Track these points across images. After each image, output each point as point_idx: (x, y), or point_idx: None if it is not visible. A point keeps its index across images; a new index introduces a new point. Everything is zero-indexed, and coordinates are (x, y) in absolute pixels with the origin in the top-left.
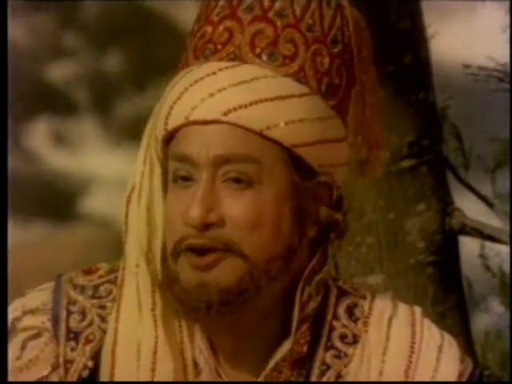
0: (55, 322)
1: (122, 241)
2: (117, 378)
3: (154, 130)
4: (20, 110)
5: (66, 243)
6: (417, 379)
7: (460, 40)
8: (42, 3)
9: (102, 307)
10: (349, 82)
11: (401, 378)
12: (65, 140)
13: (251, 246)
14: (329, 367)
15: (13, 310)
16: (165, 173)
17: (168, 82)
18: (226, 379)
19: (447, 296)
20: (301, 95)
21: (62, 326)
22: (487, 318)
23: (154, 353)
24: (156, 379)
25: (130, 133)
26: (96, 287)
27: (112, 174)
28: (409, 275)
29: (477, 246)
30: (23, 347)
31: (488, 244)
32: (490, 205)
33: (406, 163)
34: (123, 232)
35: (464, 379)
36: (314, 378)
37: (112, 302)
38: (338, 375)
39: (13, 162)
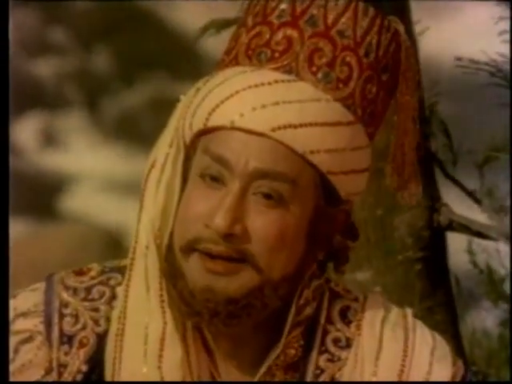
0: (48, 324)
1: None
2: (123, 363)
3: (189, 116)
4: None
5: (52, 240)
6: (410, 381)
7: (449, 36)
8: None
9: (95, 310)
10: (390, 111)
11: (395, 380)
12: (52, 137)
13: (269, 262)
14: (323, 371)
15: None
16: (187, 159)
17: (154, 77)
18: (220, 379)
19: (435, 292)
20: (347, 123)
21: (55, 330)
22: (474, 313)
23: (162, 339)
24: (163, 366)
25: (117, 130)
26: (88, 289)
27: (99, 172)
28: (397, 271)
29: (464, 242)
30: (16, 351)
31: (475, 240)
32: (477, 201)
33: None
34: (139, 209)
35: (458, 378)
36: (309, 381)
37: (105, 304)
38: (332, 379)
39: None
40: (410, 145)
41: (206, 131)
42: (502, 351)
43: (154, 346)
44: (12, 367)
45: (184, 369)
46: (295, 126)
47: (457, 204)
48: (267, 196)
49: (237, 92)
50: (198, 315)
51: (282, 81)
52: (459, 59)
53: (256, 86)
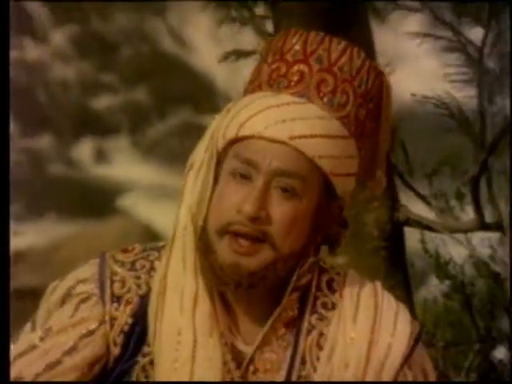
0: (101, 288)
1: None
2: (164, 315)
3: (220, 132)
4: (69, 131)
5: (103, 232)
6: (380, 337)
7: (407, 77)
8: (84, 50)
9: (138, 277)
10: (372, 131)
11: (368, 336)
12: (103, 155)
13: (283, 241)
14: (314, 327)
15: (68, 280)
16: (217, 163)
17: (181, 109)
18: (237, 334)
19: (395, 273)
20: (344, 137)
21: (107, 292)
22: (425, 288)
23: (195, 298)
24: (196, 320)
25: (153, 150)
26: (132, 262)
27: (140, 182)
28: (366, 257)
29: (418, 234)
30: (76, 308)
31: (426, 232)
32: (428, 203)
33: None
34: (180, 200)
35: (414, 336)
36: (302, 336)
37: (145, 274)
38: (321, 333)
39: (63, 172)
40: (384, 154)
41: (236, 140)
42: (445, 316)
43: (188, 303)
44: (72, 320)
45: (211, 320)
46: (307, 137)
47: (412, 205)
48: (284, 190)
49: (262, 110)
50: (225, 284)
51: (297, 103)
52: (414, 95)
53: (277, 105)
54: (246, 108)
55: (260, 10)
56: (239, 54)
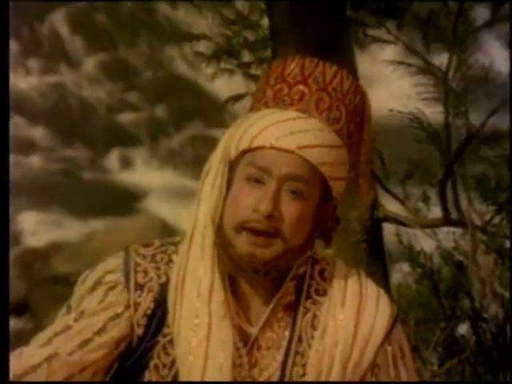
0: (126, 278)
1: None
2: (183, 301)
3: (233, 143)
4: (99, 143)
5: (127, 228)
6: (365, 319)
7: (383, 95)
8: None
9: (158, 268)
10: (358, 142)
11: (354, 318)
12: (127, 163)
13: (292, 235)
14: (308, 310)
15: (98, 270)
16: (230, 170)
17: (194, 124)
18: (244, 317)
19: (375, 261)
20: (339, 147)
21: (132, 281)
22: (400, 275)
23: (211, 287)
24: (212, 305)
25: (170, 158)
26: (153, 255)
27: (158, 185)
28: (351, 248)
29: (393, 229)
30: (105, 295)
31: (401, 227)
32: (402, 202)
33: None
34: (196, 202)
35: (393, 317)
36: (299, 318)
37: (164, 265)
38: (314, 315)
39: (94, 177)
40: (366, 163)
41: (249, 150)
42: (416, 299)
43: (205, 291)
44: (102, 305)
45: (224, 306)
46: (311, 147)
47: (389, 205)
48: (293, 192)
49: (272, 124)
50: (244, 271)
51: (301, 117)
52: (391, 111)
53: (285, 120)
54: (257, 123)
55: (246, 57)
56: (236, 98)
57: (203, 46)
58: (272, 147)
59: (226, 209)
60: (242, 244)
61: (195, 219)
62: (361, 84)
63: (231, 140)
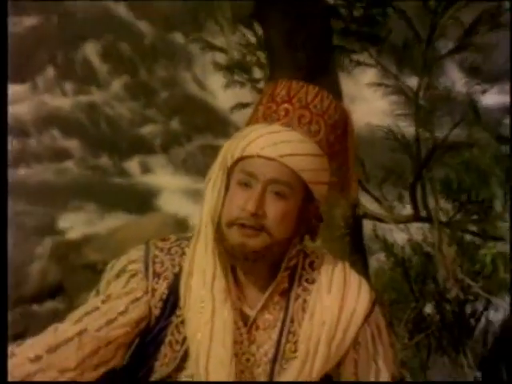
0: (146, 267)
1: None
2: (192, 290)
3: (230, 152)
4: (122, 151)
5: (146, 225)
6: (347, 303)
7: (363, 112)
8: (134, 93)
9: (173, 260)
10: (341, 151)
11: (339, 303)
12: (146, 168)
13: (275, 230)
14: (299, 296)
15: (122, 260)
16: (227, 177)
17: (204, 135)
18: (244, 301)
19: (356, 252)
20: (319, 155)
21: (150, 270)
22: (376, 262)
23: (214, 275)
24: (214, 292)
25: (183, 164)
26: (169, 249)
27: (172, 187)
28: (336, 241)
29: (371, 225)
30: (128, 281)
31: (378, 223)
32: (379, 202)
33: (333, 179)
34: (202, 205)
35: (372, 301)
36: (291, 302)
37: (178, 257)
38: (305, 300)
39: (118, 180)
40: (352, 171)
41: (241, 158)
42: (390, 283)
43: (209, 279)
44: (125, 290)
45: (226, 292)
46: (293, 155)
47: (368, 204)
48: (277, 193)
49: (259, 136)
50: (237, 259)
51: (284, 131)
52: (371, 125)
53: (269, 133)
54: (248, 135)
55: (256, 74)
56: (242, 106)
57: (221, 58)
58: (258, 156)
59: (224, 209)
60: (234, 236)
61: (201, 218)
62: (343, 103)
63: (228, 151)
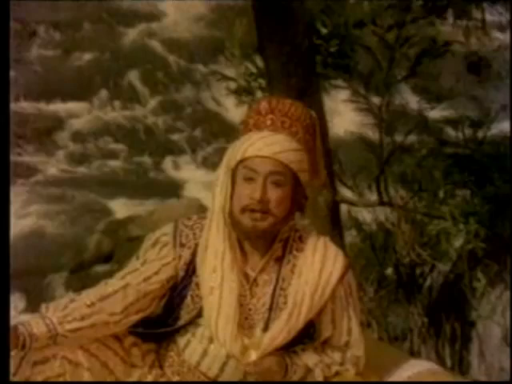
0: (174, 239)
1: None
2: (206, 261)
3: (234, 155)
4: (158, 152)
5: (177, 207)
6: (326, 267)
7: (343, 123)
8: (166, 109)
9: (195, 233)
10: (313, 147)
11: (319, 267)
12: (177, 165)
13: (278, 211)
14: (290, 261)
15: (157, 233)
16: (232, 175)
17: (218, 142)
18: (247, 265)
19: (334, 229)
20: (300, 150)
21: (178, 241)
22: (350, 237)
23: (224, 252)
24: (224, 263)
25: (204, 163)
26: (192, 225)
27: (196, 180)
28: (319, 220)
29: (347, 207)
30: (160, 249)
31: (352, 207)
32: (353, 190)
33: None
34: (212, 197)
35: (345, 266)
36: (283, 266)
37: (199, 231)
38: (294, 265)
39: (155, 176)
40: (322, 162)
41: (243, 160)
42: (360, 253)
43: (219, 253)
44: (158, 256)
45: (232, 263)
46: (282, 152)
47: (344, 192)
48: (275, 183)
49: (255, 141)
50: (249, 237)
51: (272, 135)
52: (347, 132)
53: (262, 138)
54: (246, 142)
55: (259, 95)
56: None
57: (232, 84)
58: (257, 156)
59: (234, 200)
60: (246, 220)
61: (212, 207)
62: (310, 110)
63: (231, 155)
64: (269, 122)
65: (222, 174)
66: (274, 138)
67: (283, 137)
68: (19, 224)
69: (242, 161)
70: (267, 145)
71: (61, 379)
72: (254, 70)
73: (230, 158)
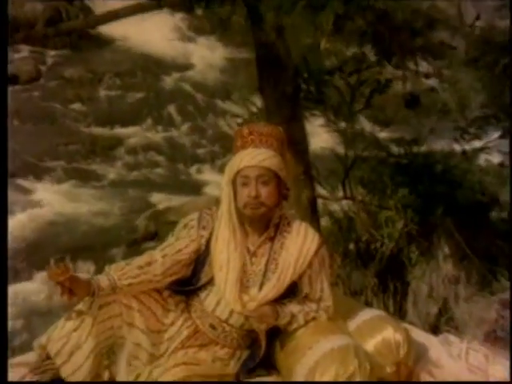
0: (198, 222)
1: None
2: (217, 244)
3: (231, 170)
4: (188, 161)
5: (200, 202)
6: (305, 244)
7: (318, 141)
8: (193, 132)
9: (213, 220)
10: (284, 154)
11: (301, 244)
12: (201, 171)
13: (269, 202)
14: (279, 240)
15: (186, 219)
16: (232, 183)
17: (229, 154)
18: (248, 242)
19: (313, 217)
20: (277, 156)
21: (201, 224)
22: (324, 222)
23: (229, 237)
24: (229, 247)
25: (222, 169)
26: (211, 214)
27: (215, 181)
28: (302, 211)
29: (321, 201)
30: (189, 230)
31: (325, 201)
32: (325, 189)
33: (301, 176)
34: (222, 197)
35: (320, 243)
36: (275, 243)
37: (216, 218)
38: (283, 243)
39: (184, 178)
40: (291, 161)
41: (238, 171)
42: (331, 234)
43: (226, 238)
44: (187, 235)
45: (236, 245)
46: (265, 159)
47: (320, 190)
48: (263, 182)
49: (244, 156)
50: (251, 221)
51: (256, 149)
52: (321, 148)
53: (249, 153)
54: (238, 158)
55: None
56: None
57: (240, 118)
58: (247, 166)
59: (238, 200)
60: (248, 211)
61: (222, 208)
62: (279, 127)
63: (230, 169)
64: (250, 142)
65: (224, 184)
66: (257, 152)
67: (263, 150)
68: (91, 213)
69: (238, 172)
70: (253, 157)
71: (118, 318)
72: (254, 109)
73: (230, 171)
